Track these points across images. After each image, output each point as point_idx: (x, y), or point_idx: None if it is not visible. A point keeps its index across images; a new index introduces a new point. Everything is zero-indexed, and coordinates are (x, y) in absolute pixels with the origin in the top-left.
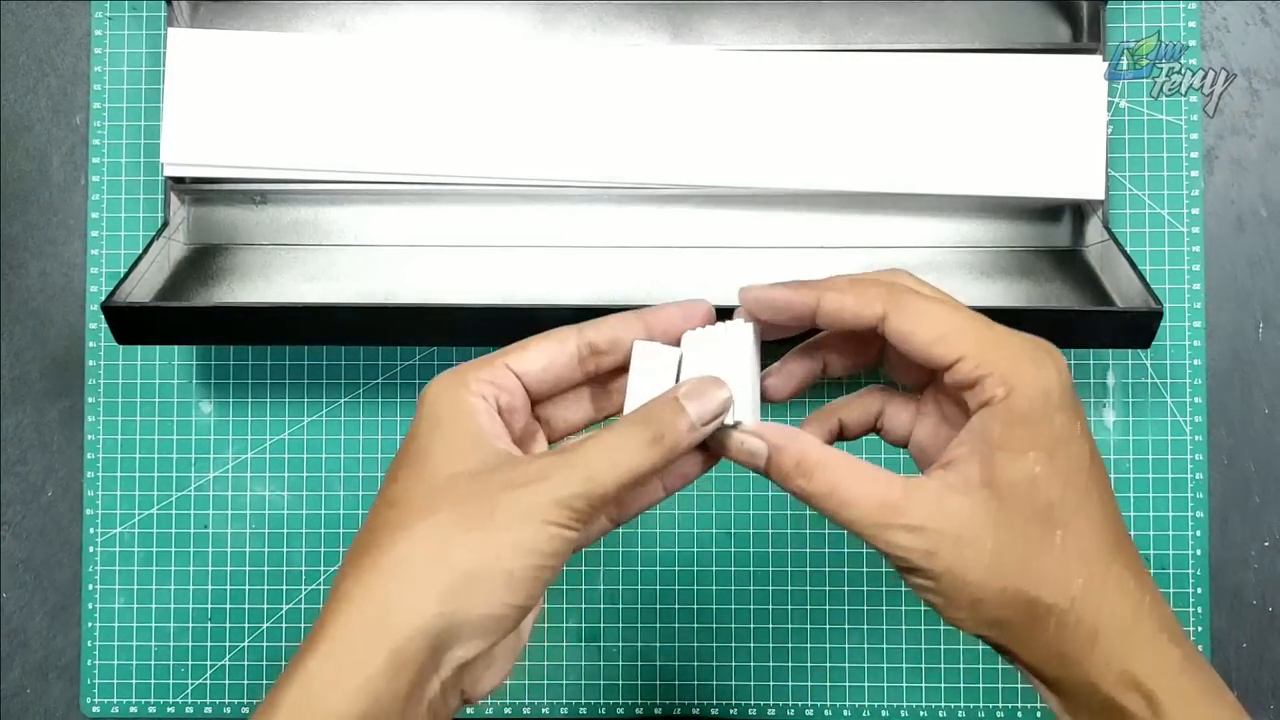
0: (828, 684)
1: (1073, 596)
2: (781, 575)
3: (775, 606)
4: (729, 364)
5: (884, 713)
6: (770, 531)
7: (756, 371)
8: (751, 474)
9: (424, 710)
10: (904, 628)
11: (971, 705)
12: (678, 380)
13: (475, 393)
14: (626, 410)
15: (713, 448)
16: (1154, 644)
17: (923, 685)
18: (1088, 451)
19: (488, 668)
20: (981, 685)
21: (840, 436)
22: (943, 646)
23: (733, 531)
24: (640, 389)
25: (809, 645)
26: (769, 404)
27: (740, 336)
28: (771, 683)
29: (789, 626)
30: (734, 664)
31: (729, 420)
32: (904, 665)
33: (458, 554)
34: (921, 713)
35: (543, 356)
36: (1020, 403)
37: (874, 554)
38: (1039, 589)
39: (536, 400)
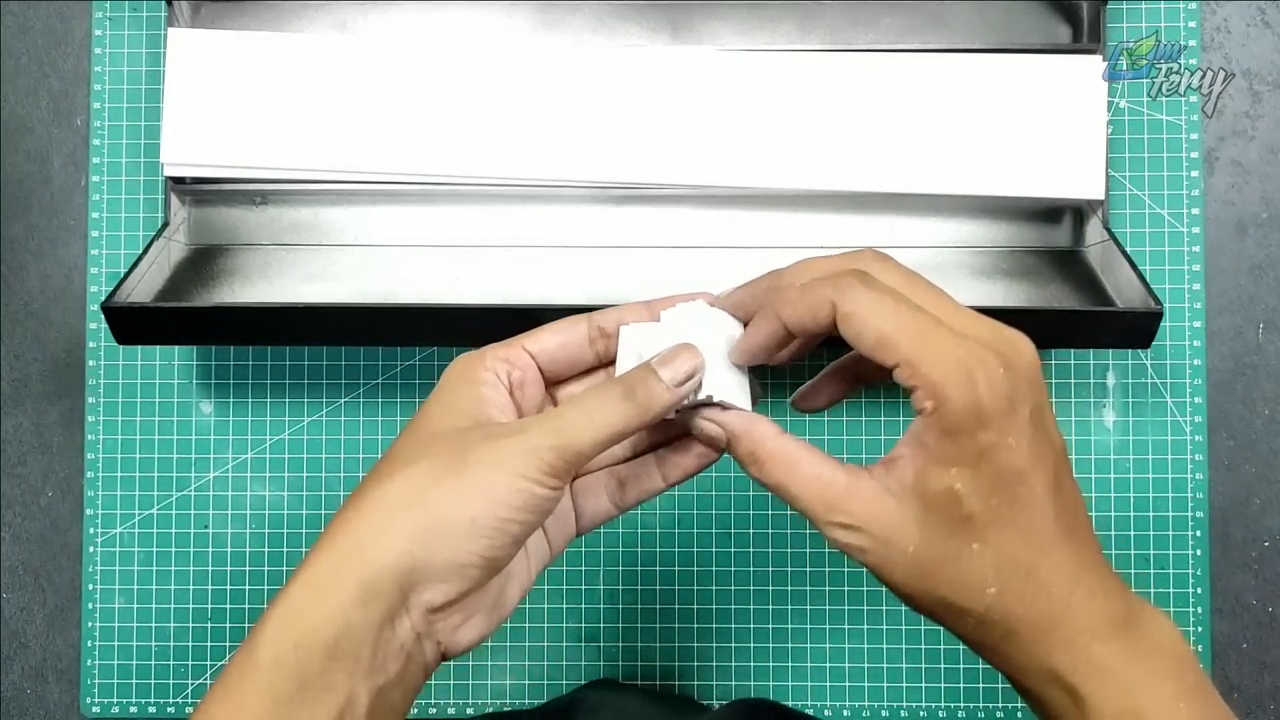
0: (828, 684)
1: (986, 605)
2: (781, 575)
3: (775, 607)
4: (700, 340)
5: (884, 713)
6: (770, 531)
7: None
8: None
9: (396, 648)
10: (904, 628)
11: (971, 705)
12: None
13: (488, 367)
14: None
15: (683, 424)
16: (1074, 644)
17: (923, 685)
18: (1021, 462)
19: (464, 621)
20: (981, 685)
21: (860, 381)
22: (943, 646)
23: (733, 531)
24: (625, 366)
25: (809, 645)
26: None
27: (713, 317)
28: (771, 683)
29: (789, 627)
30: (734, 664)
31: (703, 395)
32: (904, 665)
33: (428, 499)
34: (921, 713)
35: (556, 337)
36: (947, 418)
37: None
38: (954, 594)
39: (552, 380)
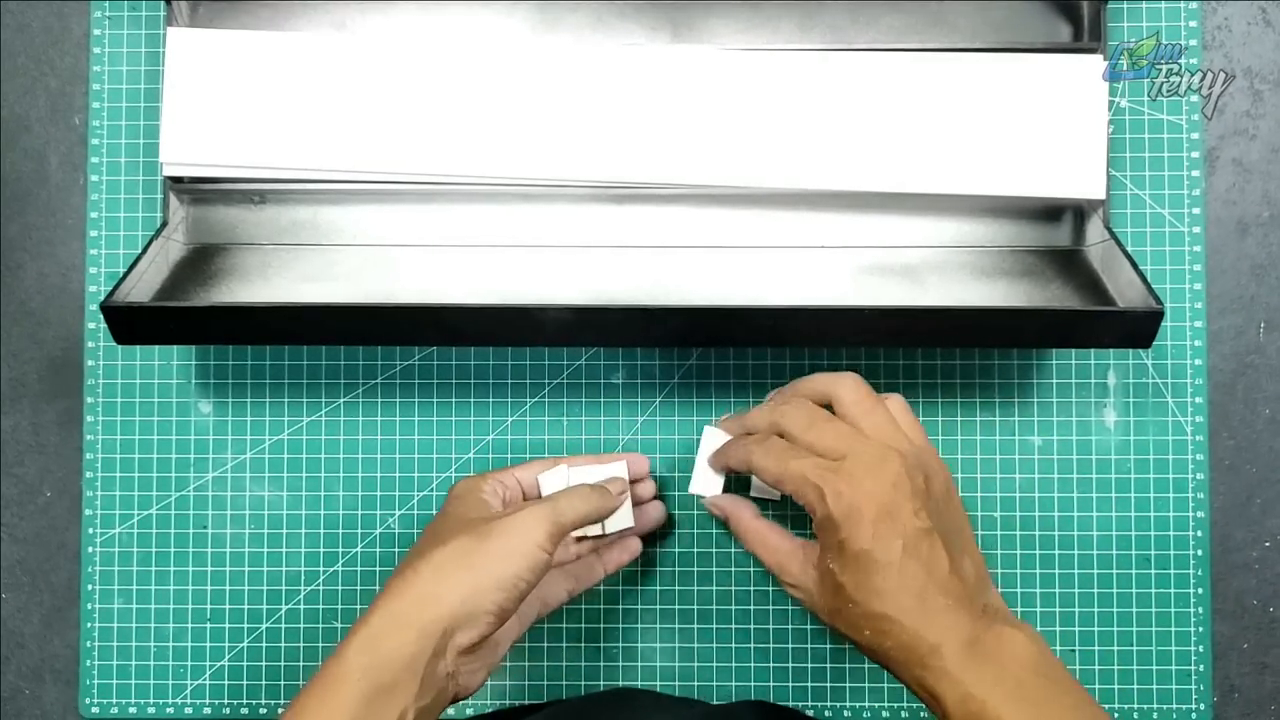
0: (828, 684)
1: (866, 641)
2: None
3: (775, 607)
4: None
5: (884, 713)
6: None
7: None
8: (750, 477)
9: (434, 680)
10: None
11: None
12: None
13: (488, 486)
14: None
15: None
16: (925, 663)
17: None
18: (864, 546)
19: (476, 668)
20: None
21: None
22: None
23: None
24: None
25: (809, 646)
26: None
27: (599, 474)
28: (772, 683)
29: (789, 627)
30: (734, 665)
31: (610, 528)
32: None
33: (473, 560)
34: (921, 713)
35: (537, 469)
36: (818, 522)
37: None
38: (849, 632)
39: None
